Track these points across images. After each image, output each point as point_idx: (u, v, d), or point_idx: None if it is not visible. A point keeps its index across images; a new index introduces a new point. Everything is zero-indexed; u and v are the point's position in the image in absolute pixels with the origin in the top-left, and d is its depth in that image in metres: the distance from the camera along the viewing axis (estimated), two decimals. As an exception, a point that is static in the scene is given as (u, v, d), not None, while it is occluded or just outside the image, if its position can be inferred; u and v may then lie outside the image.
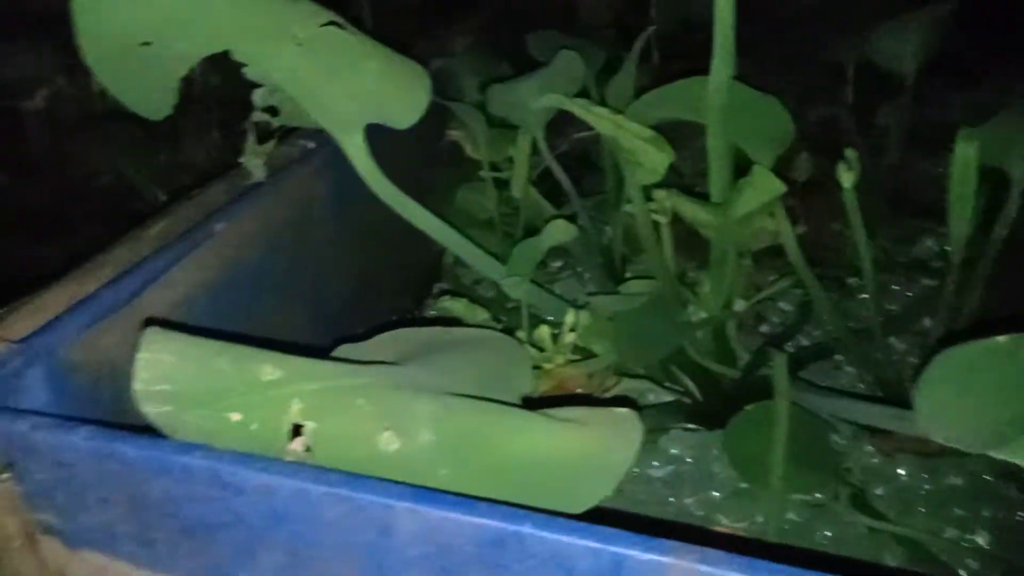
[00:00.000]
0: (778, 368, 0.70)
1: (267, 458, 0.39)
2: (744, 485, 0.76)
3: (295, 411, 0.40)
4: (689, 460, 0.80)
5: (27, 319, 0.54)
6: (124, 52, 0.59)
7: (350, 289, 0.86)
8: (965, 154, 0.72)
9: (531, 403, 0.52)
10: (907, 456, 0.78)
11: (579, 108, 0.76)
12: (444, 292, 1.10)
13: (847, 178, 0.79)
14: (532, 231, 0.99)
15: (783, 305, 1.03)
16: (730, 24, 0.67)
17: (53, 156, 1.19)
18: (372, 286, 0.92)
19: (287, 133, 0.77)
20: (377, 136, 0.69)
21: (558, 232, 0.73)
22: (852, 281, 1.06)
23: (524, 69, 0.95)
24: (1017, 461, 0.37)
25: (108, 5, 0.56)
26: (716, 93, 0.71)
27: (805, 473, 0.74)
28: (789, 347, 0.96)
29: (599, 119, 0.76)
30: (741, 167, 0.77)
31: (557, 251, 1.08)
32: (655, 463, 0.79)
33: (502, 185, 1.01)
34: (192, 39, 0.58)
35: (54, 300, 0.56)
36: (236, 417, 0.40)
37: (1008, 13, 1.24)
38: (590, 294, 0.85)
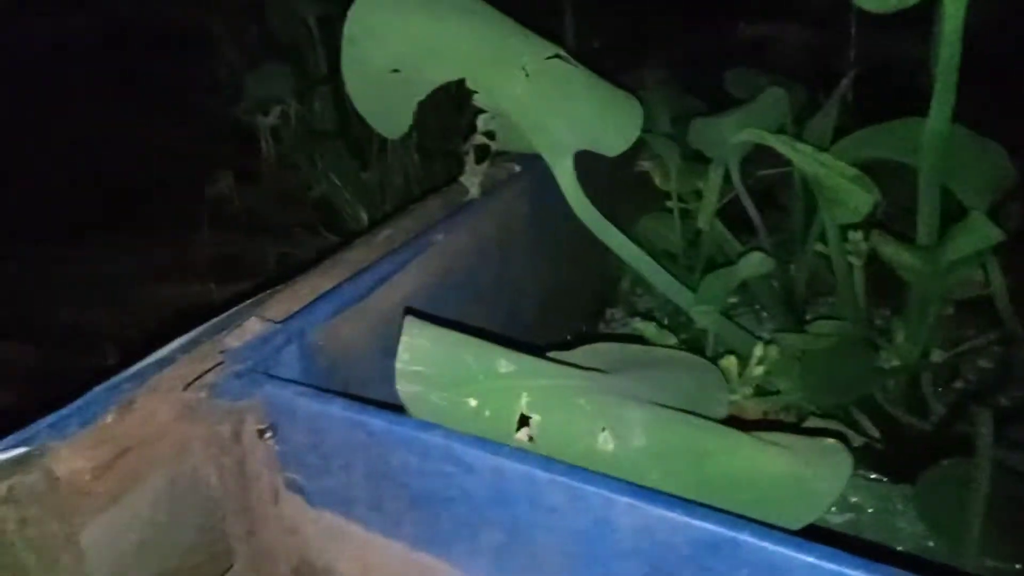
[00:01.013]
0: (982, 424, 0.67)
1: (498, 442, 0.43)
2: (931, 544, 0.73)
3: (524, 403, 0.44)
4: (870, 510, 0.77)
5: (282, 304, 0.62)
6: (377, 78, 0.67)
7: (539, 303, 0.91)
8: None
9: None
10: None
11: (781, 144, 0.77)
12: (618, 316, 1.13)
13: (1073, 231, 0.74)
14: (714, 263, 1.00)
15: (982, 363, 0.97)
16: (955, 65, 0.66)
17: (276, 167, 1.34)
18: (557, 303, 0.97)
19: (497, 156, 0.83)
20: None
21: (754, 265, 0.74)
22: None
23: (713, 104, 0.97)
24: None
25: (372, 38, 0.63)
26: (934, 135, 0.70)
27: (1004, 538, 0.69)
28: (987, 406, 0.91)
29: (802, 156, 0.76)
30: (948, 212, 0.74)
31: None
32: (833, 508, 0.77)
33: (686, 216, 1.02)
34: (438, 67, 0.65)
35: (301, 291, 0.64)
36: (473, 403, 0.45)
37: None
38: (776, 331, 0.85)
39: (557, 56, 0.69)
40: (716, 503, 0.43)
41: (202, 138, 1.32)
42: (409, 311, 0.47)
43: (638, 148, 1.07)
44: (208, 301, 1.21)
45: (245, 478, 0.53)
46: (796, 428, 0.76)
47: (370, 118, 0.70)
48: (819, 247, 0.91)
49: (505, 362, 0.45)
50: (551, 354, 0.59)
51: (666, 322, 1.04)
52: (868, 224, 0.79)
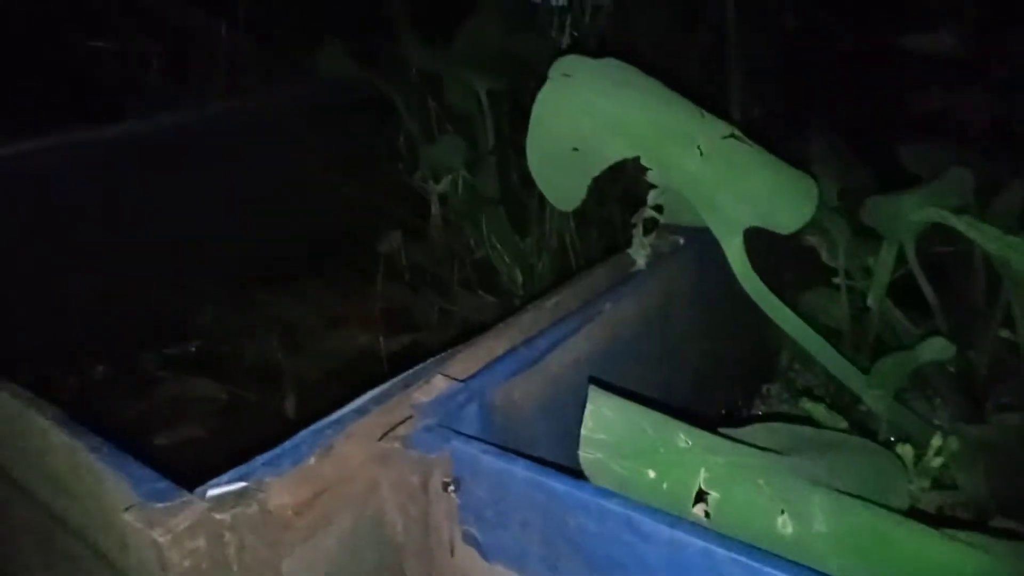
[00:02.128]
0: None
1: (676, 516, 0.44)
2: None
3: (703, 479, 0.45)
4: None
5: (463, 363, 0.67)
6: (557, 156, 0.72)
7: (697, 375, 0.91)
8: None
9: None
10: None
11: (967, 226, 0.74)
12: (774, 391, 1.11)
13: None
14: (882, 344, 0.96)
15: None
16: None
17: (442, 229, 1.43)
18: (714, 375, 0.97)
19: (660, 229, 0.85)
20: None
21: (935, 350, 0.71)
22: None
23: (882, 177, 0.95)
24: None
25: (558, 118, 0.68)
26: None
27: None
28: None
29: (989, 239, 0.73)
30: None
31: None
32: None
33: (852, 293, 1.00)
34: (616, 146, 0.69)
35: (479, 351, 0.69)
36: (652, 474, 0.46)
37: None
38: (953, 419, 0.80)
39: (732, 135, 0.70)
40: (905, 601, 0.42)
41: (380, 199, 1.43)
42: (593, 381, 0.50)
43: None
44: (376, 350, 1.29)
45: (427, 527, 0.57)
46: (979, 527, 0.71)
47: (548, 192, 0.75)
48: (1004, 333, 0.86)
49: (684, 436, 0.47)
50: (722, 430, 0.60)
51: (828, 402, 1.01)
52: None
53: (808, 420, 0.82)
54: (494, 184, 1.36)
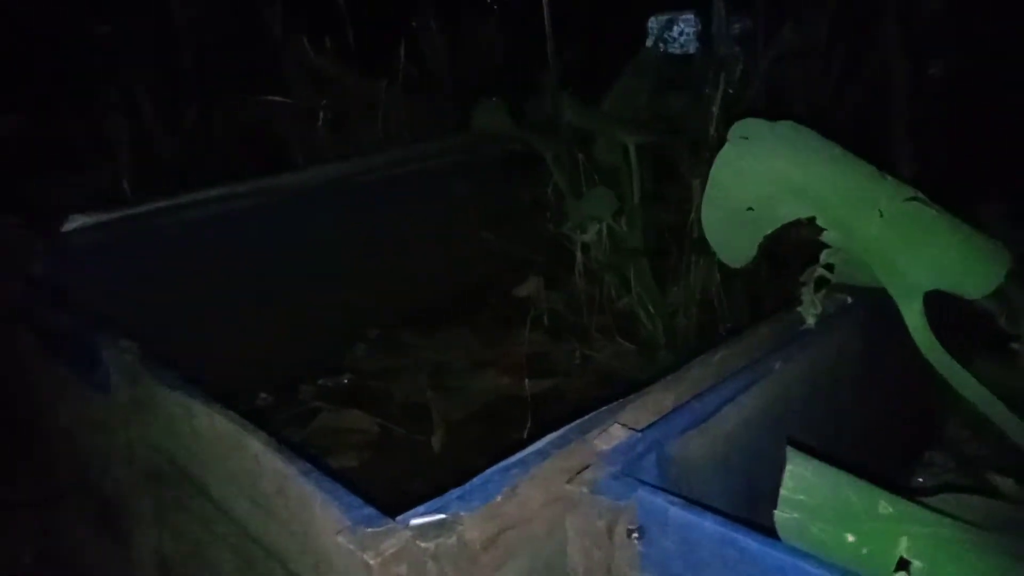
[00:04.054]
0: None
1: (880, 584, 0.43)
2: None
3: (904, 547, 0.45)
4: None
5: (635, 413, 0.68)
6: (732, 215, 0.73)
7: (861, 437, 0.89)
8: None
9: None
10: None
11: None
12: (938, 460, 1.06)
13: None
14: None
15: None
16: None
17: (584, 278, 1.46)
18: (877, 438, 0.94)
19: (830, 289, 0.84)
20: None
21: None
22: None
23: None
24: None
25: (738, 178, 0.70)
26: None
27: None
28: None
29: None
30: None
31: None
32: None
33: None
34: (793, 206, 0.70)
35: (648, 402, 0.70)
36: (851, 539, 0.46)
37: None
38: None
39: (915, 198, 0.70)
40: None
41: (526, 249, 1.49)
42: (791, 442, 0.51)
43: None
44: (518, 392, 1.33)
45: (609, 571, 0.58)
46: None
47: (719, 249, 0.76)
48: None
49: (885, 503, 0.46)
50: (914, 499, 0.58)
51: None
52: None
53: (993, 492, 0.78)
54: (639, 235, 1.39)
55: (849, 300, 0.86)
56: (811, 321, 0.78)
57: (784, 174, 0.72)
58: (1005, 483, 0.78)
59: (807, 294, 0.78)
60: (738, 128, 0.74)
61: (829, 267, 0.79)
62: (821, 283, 0.79)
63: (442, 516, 0.57)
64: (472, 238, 1.54)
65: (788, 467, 0.48)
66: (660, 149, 1.45)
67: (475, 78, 1.82)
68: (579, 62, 1.76)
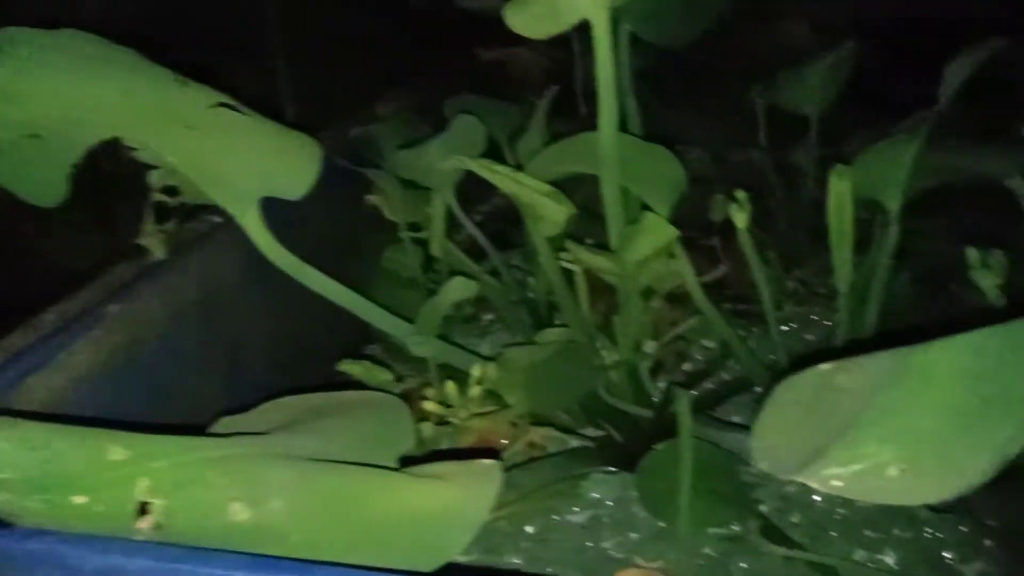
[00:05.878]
0: (680, 406, 0.72)
1: (108, 538, 0.39)
2: (662, 524, 0.78)
3: (142, 488, 0.41)
4: (609, 503, 0.81)
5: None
6: (14, 146, 0.62)
7: (272, 363, 0.88)
8: (839, 190, 0.76)
9: (417, 462, 0.53)
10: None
11: (480, 167, 0.79)
12: (378, 352, 1.12)
13: (740, 219, 0.82)
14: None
15: (707, 343, 1.05)
16: (611, 78, 0.71)
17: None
18: (299, 352, 0.94)
19: (194, 211, 0.79)
20: (299, 206, 0.70)
21: (456, 290, 0.75)
22: (779, 314, 1.08)
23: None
24: (812, 484, 0.38)
25: (15, 108, 0.58)
26: (604, 146, 0.75)
27: (716, 507, 0.75)
28: (711, 383, 0.99)
29: (499, 177, 0.79)
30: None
31: (488, 305, 1.11)
32: (575, 508, 0.80)
33: (423, 244, 1.03)
34: (93, 128, 0.61)
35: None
36: (80, 500, 0.41)
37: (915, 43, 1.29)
38: (506, 345, 0.87)
39: (221, 104, 0.66)
40: (364, 552, 0.43)
41: None
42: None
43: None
44: None
45: None
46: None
47: (17, 188, 0.64)
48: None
49: (118, 448, 0.42)
50: (221, 422, 0.56)
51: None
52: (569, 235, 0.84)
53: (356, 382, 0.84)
54: None
55: (219, 220, 0.82)
56: (158, 252, 0.72)
57: (73, 91, 0.62)
58: (354, 367, 0.84)
59: (147, 223, 0.71)
60: (3, 39, 0.61)
61: (169, 189, 0.73)
62: (164, 209, 0.73)
63: None
64: None
65: (-9, 442, 0.41)
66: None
67: None
68: None
